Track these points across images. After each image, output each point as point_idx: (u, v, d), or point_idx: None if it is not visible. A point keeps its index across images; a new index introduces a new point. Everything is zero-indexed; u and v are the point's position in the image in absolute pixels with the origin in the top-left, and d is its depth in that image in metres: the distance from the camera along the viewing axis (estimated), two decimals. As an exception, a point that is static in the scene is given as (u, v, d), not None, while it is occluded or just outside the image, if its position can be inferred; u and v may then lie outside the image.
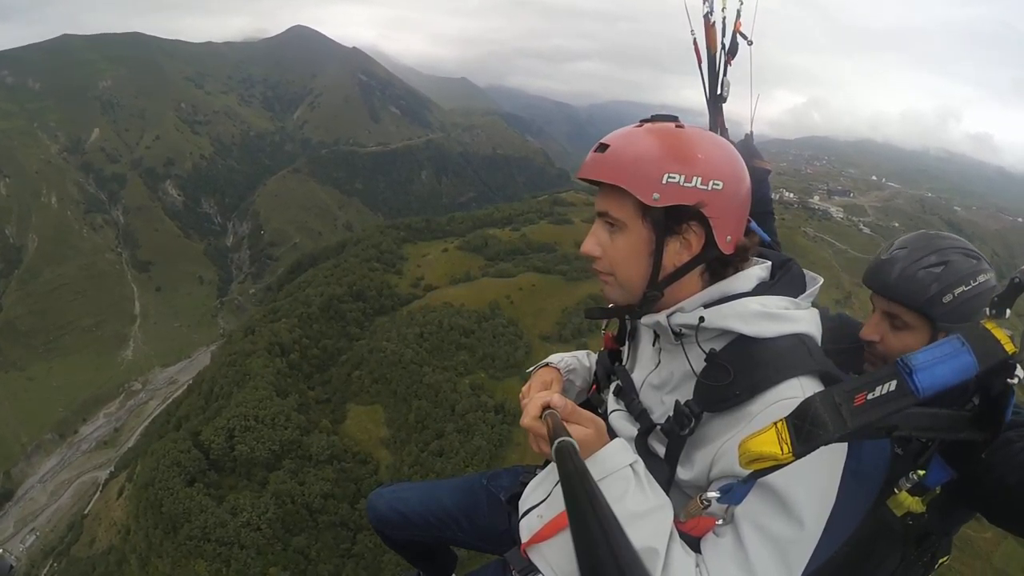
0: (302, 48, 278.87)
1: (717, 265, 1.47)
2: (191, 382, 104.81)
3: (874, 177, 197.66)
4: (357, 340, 77.08)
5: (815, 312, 1.49)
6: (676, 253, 1.47)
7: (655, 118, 1.51)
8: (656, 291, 1.51)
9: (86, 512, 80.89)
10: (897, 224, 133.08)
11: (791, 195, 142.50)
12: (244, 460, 54.19)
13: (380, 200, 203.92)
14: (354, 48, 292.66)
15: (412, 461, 56.60)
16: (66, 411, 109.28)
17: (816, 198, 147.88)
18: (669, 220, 1.43)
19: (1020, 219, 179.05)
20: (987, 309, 1.14)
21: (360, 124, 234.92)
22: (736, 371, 1.36)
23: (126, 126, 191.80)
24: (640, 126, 1.48)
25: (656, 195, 1.39)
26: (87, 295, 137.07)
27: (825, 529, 1.29)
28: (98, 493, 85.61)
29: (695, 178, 1.37)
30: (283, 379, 64.69)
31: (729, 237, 1.43)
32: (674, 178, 1.37)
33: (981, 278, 1.93)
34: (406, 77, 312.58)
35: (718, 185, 1.38)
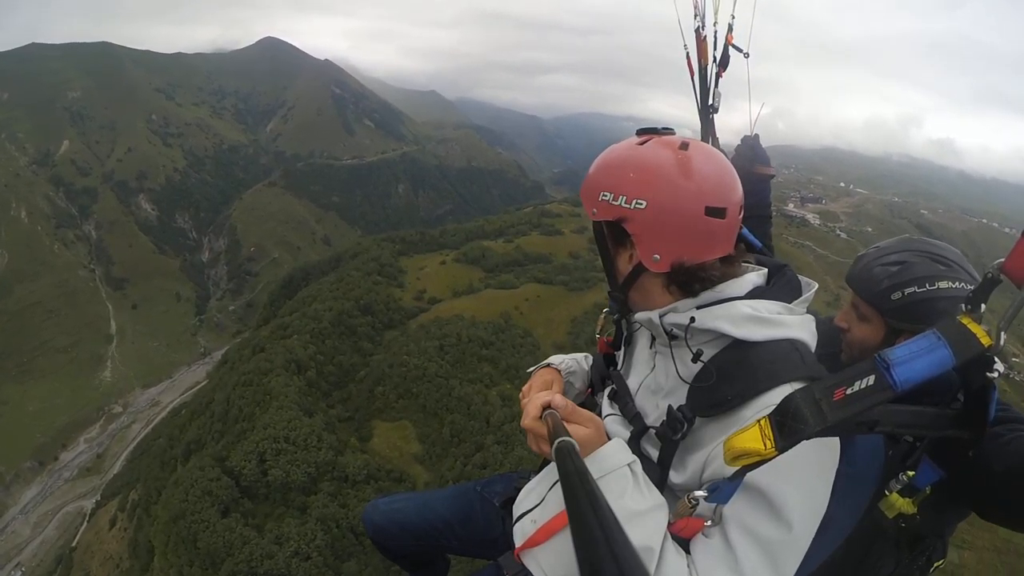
0: (274, 60, 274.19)
1: (683, 280, 1.49)
2: (186, 403, 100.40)
3: (842, 184, 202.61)
4: (370, 355, 74.22)
5: (809, 318, 1.51)
6: (625, 263, 1.57)
7: (640, 132, 1.58)
8: (618, 293, 1.65)
9: (74, 545, 76.23)
10: (870, 229, 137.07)
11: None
12: (279, 485, 50.58)
13: (358, 214, 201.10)
14: (326, 60, 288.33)
15: (456, 475, 53.57)
16: (44, 437, 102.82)
17: (791, 205, 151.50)
18: (615, 232, 1.54)
19: (984, 220, 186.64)
20: (963, 304, 1.15)
21: (334, 137, 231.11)
22: (728, 376, 1.39)
23: (96, 138, 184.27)
24: (630, 140, 1.57)
25: (595, 210, 1.52)
26: (61, 314, 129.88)
27: (819, 532, 1.29)
28: (85, 524, 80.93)
29: (621, 196, 1.45)
30: (304, 398, 61.58)
31: (657, 256, 1.46)
32: (606, 196, 1.48)
33: (941, 284, 1.94)
34: (376, 90, 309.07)
35: (640, 204, 1.42)
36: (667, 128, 1.55)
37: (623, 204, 1.45)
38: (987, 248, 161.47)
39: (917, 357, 1.10)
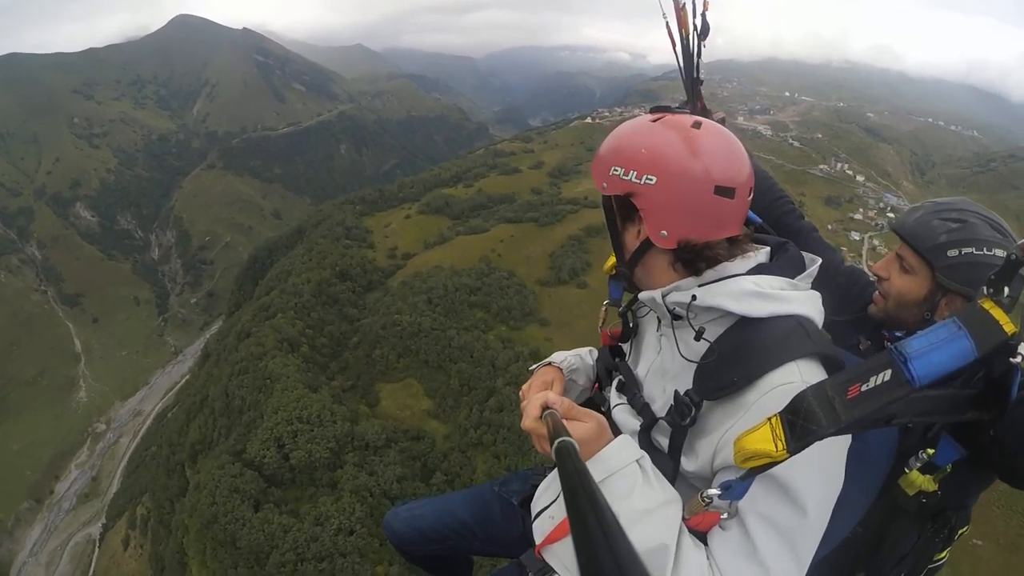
0: (189, 38, 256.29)
1: (688, 258, 1.50)
2: (170, 406, 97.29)
3: (787, 93, 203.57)
4: (357, 320, 72.55)
5: (815, 295, 1.50)
6: (632, 238, 1.58)
7: (653, 110, 1.63)
8: (624, 268, 1.65)
9: (91, 574, 74.61)
10: (820, 135, 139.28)
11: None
12: (304, 467, 49.25)
13: (303, 182, 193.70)
14: (244, 29, 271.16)
15: (476, 422, 53.78)
16: (35, 474, 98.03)
17: (740, 119, 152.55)
18: (624, 208, 1.56)
19: (930, 119, 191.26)
20: (984, 288, 1.11)
21: (265, 107, 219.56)
22: (733, 356, 1.37)
23: (21, 154, 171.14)
24: (643, 118, 1.58)
25: (605, 184, 1.53)
26: (22, 344, 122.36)
27: (835, 512, 1.29)
28: (96, 551, 78.89)
29: (631, 172, 1.46)
30: (305, 374, 59.65)
31: (665, 232, 1.46)
32: (617, 171, 1.49)
33: (997, 251, 1.90)
34: (301, 51, 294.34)
35: (651, 180, 1.43)
36: (680, 107, 1.54)
37: (633, 179, 1.46)
38: (935, 147, 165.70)
39: (936, 348, 1.06)
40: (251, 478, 47.93)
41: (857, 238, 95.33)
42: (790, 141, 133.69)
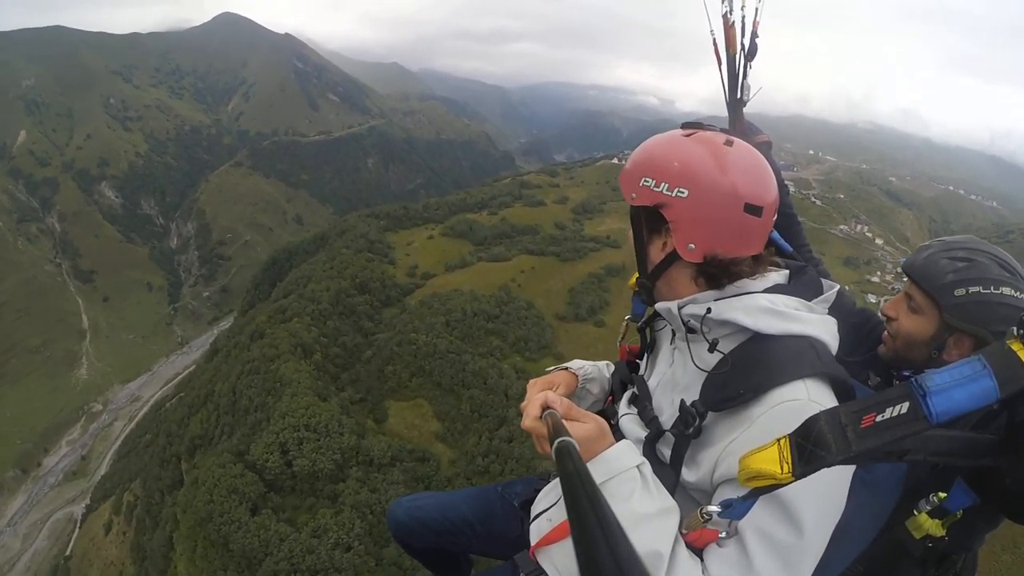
0: (231, 36, 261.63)
1: (712, 273, 1.50)
2: (169, 396, 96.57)
3: (811, 151, 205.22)
4: (371, 334, 71.93)
5: (831, 320, 1.50)
6: (657, 250, 1.58)
7: (685, 125, 1.63)
8: (646, 280, 1.65)
9: (68, 554, 72.84)
10: (842, 195, 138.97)
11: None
12: (306, 476, 48.26)
13: (328, 190, 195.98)
14: (286, 34, 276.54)
15: (484, 450, 52.71)
16: (25, 443, 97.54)
17: None
18: (651, 219, 1.56)
19: (951, 187, 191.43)
20: (1015, 328, 1.08)
21: (298, 113, 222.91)
22: (741, 369, 1.38)
23: (54, 126, 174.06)
24: (675, 132, 1.60)
25: (634, 194, 1.54)
26: (30, 313, 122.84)
27: (836, 539, 1.28)
28: (77, 531, 77.54)
29: (663, 183, 1.47)
30: (316, 382, 58.95)
31: (692, 245, 1.46)
32: (648, 182, 1.50)
33: (1006, 290, 1.89)
34: (337, 63, 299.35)
35: (682, 192, 1.44)
36: (710, 125, 1.58)
37: (665, 191, 1.46)
38: (954, 215, 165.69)
39: (958, 386, 1.02)
40: (251, 480, 46.98)
41: (873, 300, 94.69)
42: (812, 199, 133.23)
